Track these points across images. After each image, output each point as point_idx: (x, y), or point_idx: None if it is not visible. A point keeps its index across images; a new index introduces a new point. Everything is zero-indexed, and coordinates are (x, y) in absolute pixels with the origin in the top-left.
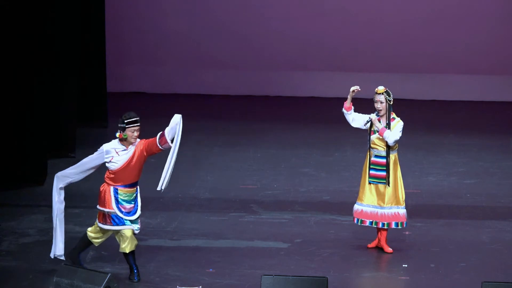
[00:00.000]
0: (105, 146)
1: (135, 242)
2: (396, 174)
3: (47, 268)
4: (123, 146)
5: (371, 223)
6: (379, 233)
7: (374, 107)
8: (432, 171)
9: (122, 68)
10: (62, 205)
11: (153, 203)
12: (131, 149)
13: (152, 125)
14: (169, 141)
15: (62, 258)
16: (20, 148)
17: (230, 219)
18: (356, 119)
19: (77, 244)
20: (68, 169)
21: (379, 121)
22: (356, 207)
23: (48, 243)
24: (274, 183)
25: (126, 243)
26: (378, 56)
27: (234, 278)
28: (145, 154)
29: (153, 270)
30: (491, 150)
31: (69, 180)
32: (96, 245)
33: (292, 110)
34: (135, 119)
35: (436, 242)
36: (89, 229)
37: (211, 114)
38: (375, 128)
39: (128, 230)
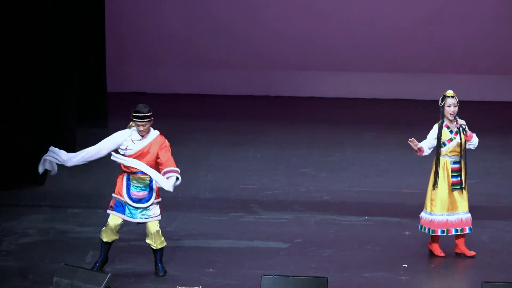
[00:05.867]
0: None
1: None
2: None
3: (47, 268)
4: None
5: (456, 230)
6: (457, 239)
7: (447, 112)
8: None
9: (122, 68)
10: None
11: None
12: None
13: (152, 125)
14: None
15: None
16: (20, 148)
17: (230, 219)
18: (430, 140)
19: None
20: None
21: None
22: (439, 218)
23: (48, 243)
24: (274, 183)
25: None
26: (378, 56)
27: (234, 278)
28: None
29: (154, 270)
30: (491, 150)
31: None
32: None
33: (292, 110)
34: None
35: None
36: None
37: (211, 114)
38: (450, 137)
39: None
